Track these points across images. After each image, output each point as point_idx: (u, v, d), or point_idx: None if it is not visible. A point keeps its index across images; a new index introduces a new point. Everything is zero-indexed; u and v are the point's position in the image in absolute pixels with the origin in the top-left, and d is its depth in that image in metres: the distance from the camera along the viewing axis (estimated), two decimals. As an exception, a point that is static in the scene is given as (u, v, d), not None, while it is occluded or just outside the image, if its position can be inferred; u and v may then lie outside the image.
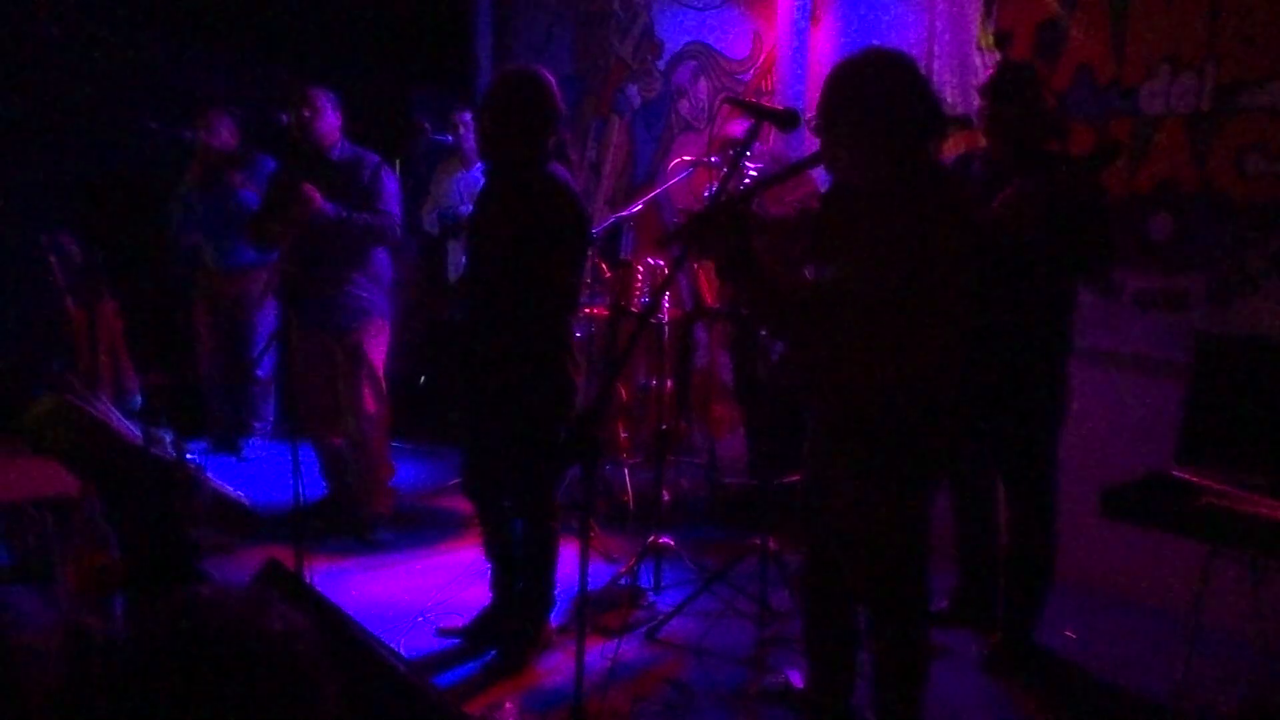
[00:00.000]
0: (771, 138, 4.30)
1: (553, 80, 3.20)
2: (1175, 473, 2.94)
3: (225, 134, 5.36)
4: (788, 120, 2.48)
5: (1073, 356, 3.24)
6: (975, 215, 2.53)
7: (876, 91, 2.34)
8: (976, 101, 3.93)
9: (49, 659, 1.67)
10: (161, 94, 5.76)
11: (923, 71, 3.91)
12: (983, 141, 3.37)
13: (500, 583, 3.47)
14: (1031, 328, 3.12)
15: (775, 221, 3.85)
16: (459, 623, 3.53)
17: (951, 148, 4.19)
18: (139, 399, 5.08)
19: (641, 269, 4.55)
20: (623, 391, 4.92)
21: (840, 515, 2.50)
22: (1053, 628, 3.45)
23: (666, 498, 4.33)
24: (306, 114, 4.11)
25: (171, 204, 5.47)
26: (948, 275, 2.27)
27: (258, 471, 5.35)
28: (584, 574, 2.20)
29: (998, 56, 4.14)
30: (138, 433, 3.88)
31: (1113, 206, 3.41)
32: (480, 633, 3.44)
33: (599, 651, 3.29)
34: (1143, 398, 3.72)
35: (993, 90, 3.16)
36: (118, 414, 4.11)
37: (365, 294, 4.24)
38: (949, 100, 4.33)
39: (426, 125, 5.03)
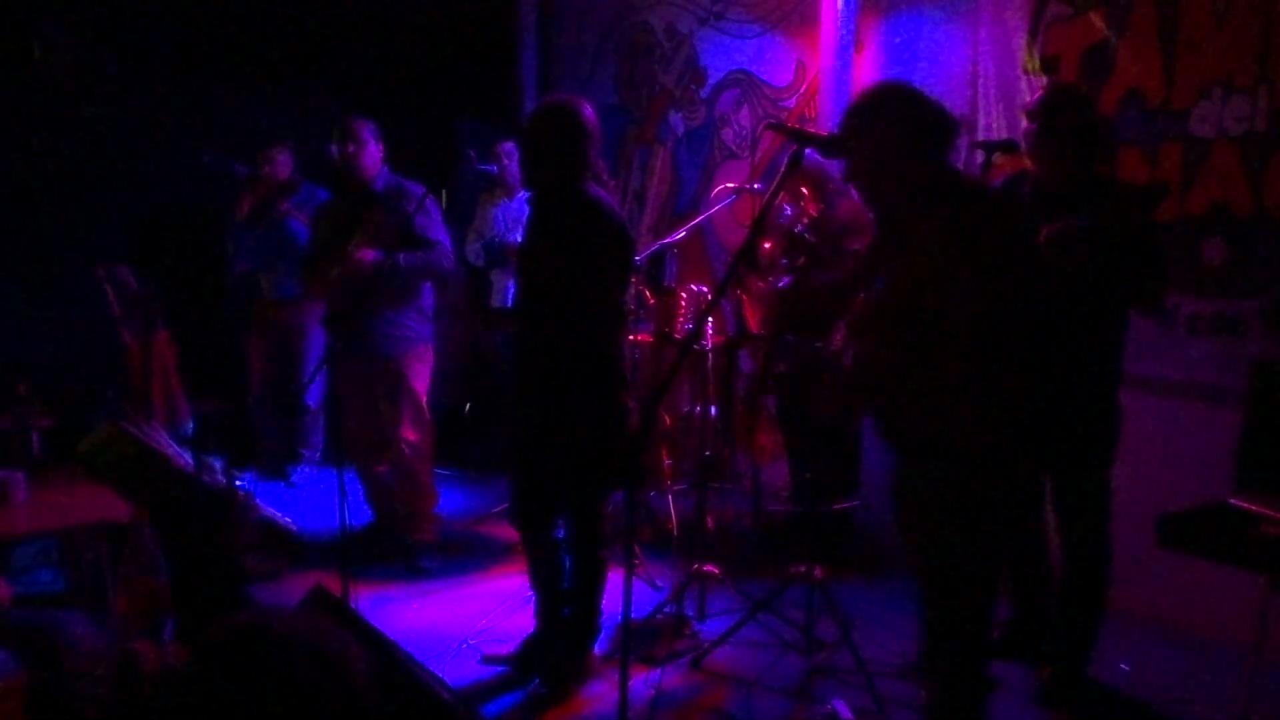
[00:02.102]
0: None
1: (588, 108, 3.24)
2: (1233, 501, 2.87)
3: (282, 168, 5.47)
4: (830, 145, 2.47)
5: (1125, 384, 3.18)
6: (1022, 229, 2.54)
7: (870, 124, 2.43)
8: (1022, 125, 3.91)
9: (100, 682, 1.69)
10: (215, 128, 5.90)
11: (966, 103, 3.93)
12: (1028, 165, 3.34)
13: (545, 611, 3.46)
14: (1083, 357, 3.07)
15: (826, 286, 3.91)
16: (504, 650, 3.52)
17: (997, 173, 4.17)
18: (191, 426, 5.16)
19: (685, 296, 4.56)
20: (666, 418, 4.91)
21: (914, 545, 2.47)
22: (1107, 660, 3.37)
23: (710, 525, 4.31)
24: (351, 148, 4.18)
25: (226, 236, 5.58)
26: (978, 286, 2.27)
27: (306, 498, 5.40)
28: (628, 602, 2.19)
29: (1044, 80, 4.10)
30: (189, 460, 3.93)
31: (1165, 231, 3.36)
32: (525, 661, 3.44)
33: (643, 680, 3.28)
34: (1198, 425, 3.64)
35: (1041, 114, 3.13)
36: (170, 441, 4.18)
37: (408, 323, 4.28)
38: (994, 125, 4.30)
39: (472, 154, 5.08)
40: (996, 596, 2.49)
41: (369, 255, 4.02)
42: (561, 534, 3.43)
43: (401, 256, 4.03)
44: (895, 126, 2.40)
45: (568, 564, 3.42)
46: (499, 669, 3.46)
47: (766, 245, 4.15)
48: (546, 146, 3.18)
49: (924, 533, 2.41)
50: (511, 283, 5.66)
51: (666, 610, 3.81)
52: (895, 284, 2.32)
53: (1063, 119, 3.08)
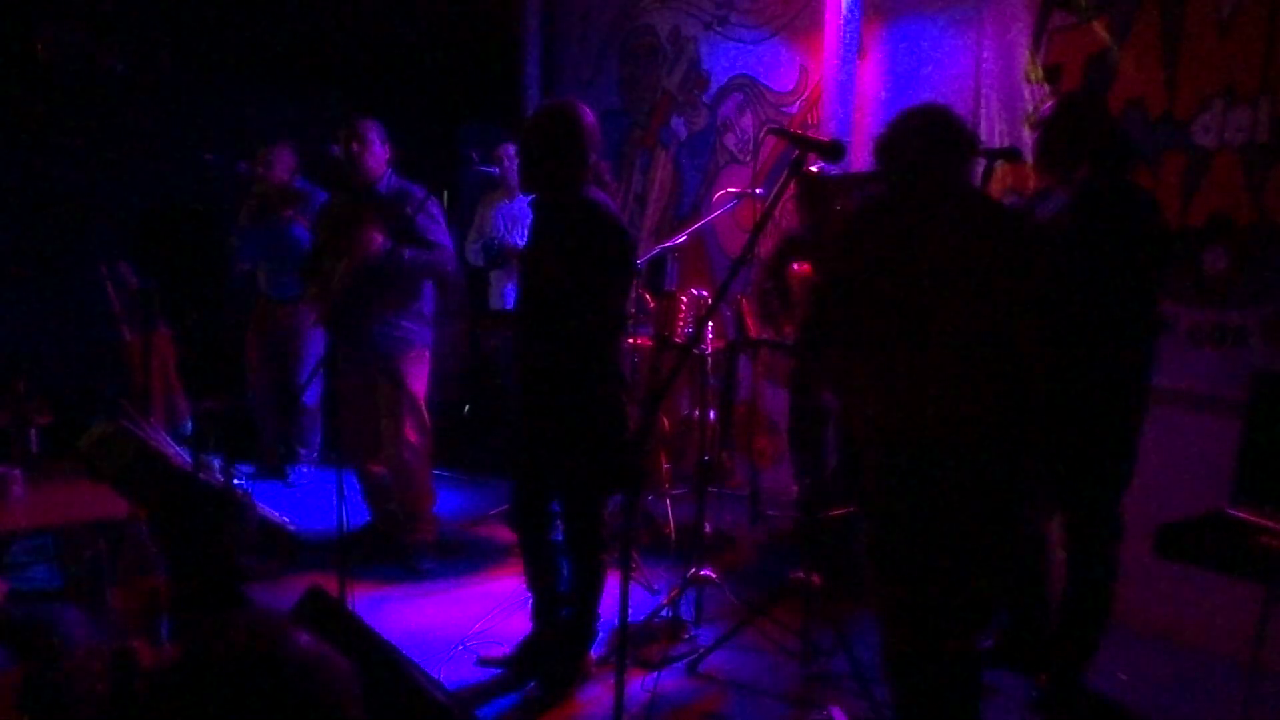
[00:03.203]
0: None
1: (586, 111, 3.23)
2: (1231, 512, 2.87)
3: (282, 168, 5.47)
4: (832, 151, 2.48)
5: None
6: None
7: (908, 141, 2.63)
8: (1025, 134, 3.92)
9: (96, 679, 1.69)
10: (218, 128, 5.91)
11: (969, 110, 3.94)
12: (1030, 176, 3.34)
13: (542, 613, 3.46)
14: (1097, 376, 3.03)
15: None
16: (500, 652, 3.52)
17: (999, 180, 4.18)
18: (190, 425, 5.17)
19: (685, 300, 4.55)
20: (665, 422, 4.91)
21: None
22: (1104, 670, 3.36)
23: (708, 529, 4.30)
24: (355, 148, 4.18)
25: (227, 236, 5.59)
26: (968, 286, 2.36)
27: (304, 498, 5.40)
28: (624, 605, 2.19)
29: (1046, 89, 4.11)
30: (188, 458, 3.93)
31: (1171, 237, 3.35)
32: (521, 663, 3.43)
33: (639, 684, 3.28)
34: (1198, 435, 3.64)
35: (1050, 124, 3.11)
36: (169, 439, 4.18)
37: (407, 324, 4.28)
38: (997, 133, 4.31)
39: (474, 155, 5.09)
40: (946, 594, 2.54)
41: (379, 238, 4.01)
42: (559, 536, 3.43)
43: (407, 250, 4.03)
44: (929, 144, 2.58)
45: (565, 567, 3.42)
46: (495, 671, 3.46)
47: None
48: (545, 150, 3.17)
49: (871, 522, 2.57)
50: (511, 284, 5.67)
51: (663, 614, 3.80)
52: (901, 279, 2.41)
53: (1070, 129, 3.07)
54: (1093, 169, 3.04)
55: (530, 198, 3.39)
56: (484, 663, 3.50)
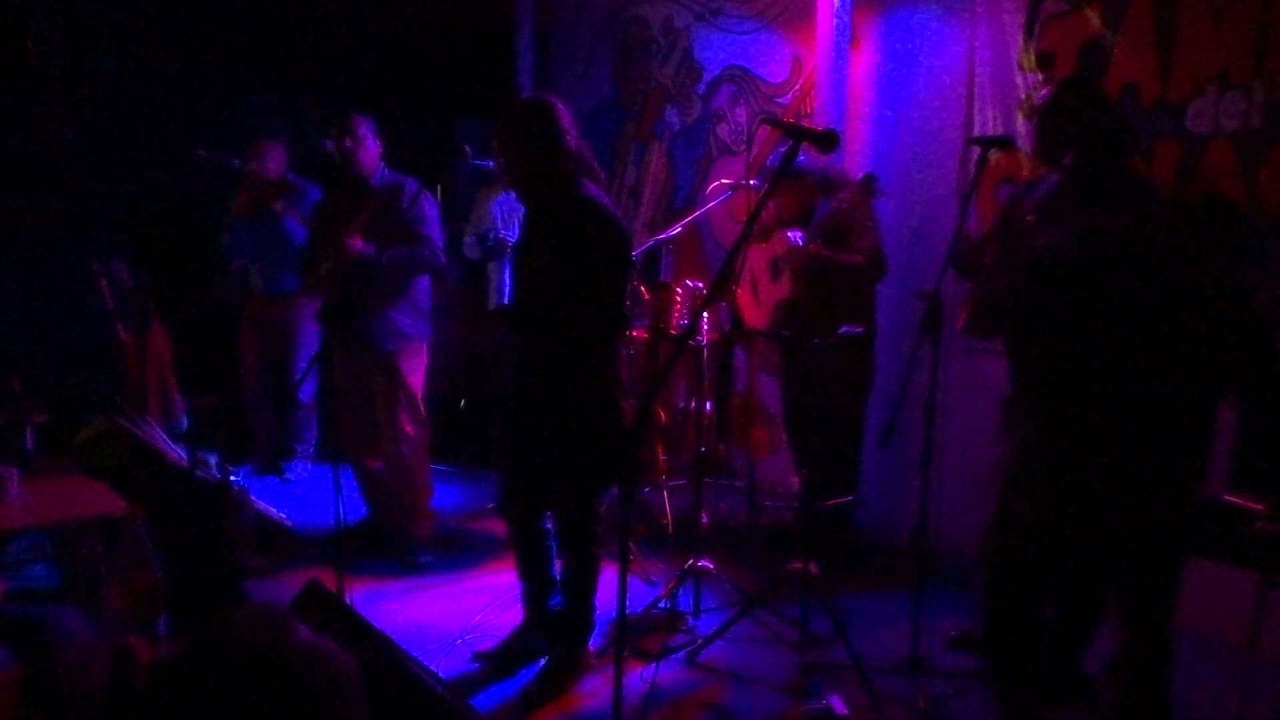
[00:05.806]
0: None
1: (556, 103, 3.21)
2: (1228, 498, 2.87)
3: (274, 163, 5.46)
4: (826, 140, 2.47)
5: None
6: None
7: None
8: (1019, 122, 3.89)
9: (94, 677, 1.69)
10: (211, 124, 5.89)
11: (962, 99, 3.92)
12: (1024, 164, 3.32)
13: (533, 600, 3.47)
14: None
15: (848, 267, 4.06)
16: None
17: (992, 170, 4.17)
18: (185, 422, 5.16)
19: (680, 291, 4.55)
20: (662, 414, 4.91)
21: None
22: (1101, 656, 3.37)
23: (706, 520, 4.30)
24: (349, 144, 4.18)
25: (221, 232, 5.58)
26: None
27: (300, 494, 5.40)
28: (623, 597, 2.19)
29: (1039, 77, 4.10)
30: (184, 455, 3.93)
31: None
32: (513, 651, 3.44)
33: (638, 675, 3.28)
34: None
35: (1047, 110, 3.08)
36: (164, 436, 4.18)
37: (404, 318, 4.28)
38: (990, 121, 4.30)
39: (468, 149, 5.08)
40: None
41: (358, 244, 4.01)
42: (549, 525, 3.43)
43: (387, 253, 4.03)
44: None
45: (555, 553, 3.43)
46: (492, 662, 3.46)
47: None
48: (520, 148, 3.17)
49: None
50: (508, 276, 5.66)
51: (661, 606, 3.81)
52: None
53: (1069, 114, 3.04)
54: (1082, 153, 3.00)
55: (522, 196, 3.38)
56: (479, 658, 3.50)
